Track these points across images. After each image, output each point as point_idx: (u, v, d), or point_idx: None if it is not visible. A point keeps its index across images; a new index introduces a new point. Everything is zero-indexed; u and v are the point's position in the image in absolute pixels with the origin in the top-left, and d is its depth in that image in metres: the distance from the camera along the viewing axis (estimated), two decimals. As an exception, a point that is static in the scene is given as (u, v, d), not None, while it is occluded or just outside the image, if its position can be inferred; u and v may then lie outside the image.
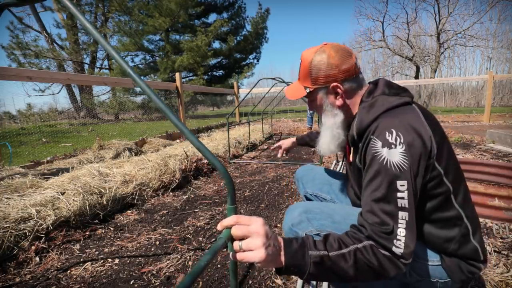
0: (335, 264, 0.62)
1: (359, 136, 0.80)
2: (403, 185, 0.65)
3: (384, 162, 0.67)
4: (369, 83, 0.87)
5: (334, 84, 0.83)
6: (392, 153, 0.67)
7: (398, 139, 0.67)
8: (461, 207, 0.74)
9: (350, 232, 0.67)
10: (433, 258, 0.74)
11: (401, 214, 0.64)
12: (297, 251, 0.62)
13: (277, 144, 1.66)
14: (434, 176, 0.71)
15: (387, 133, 0.69)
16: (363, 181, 0.73)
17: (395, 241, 0.63)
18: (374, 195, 0.67)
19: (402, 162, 0.66)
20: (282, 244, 0.63)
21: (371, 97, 0.81)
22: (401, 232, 0.63)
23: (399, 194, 0.65)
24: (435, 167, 0.70)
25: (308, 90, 0.88)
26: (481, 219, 1.63)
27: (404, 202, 0.64)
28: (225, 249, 1.38)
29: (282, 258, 0.61)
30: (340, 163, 3.15)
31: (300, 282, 1.16)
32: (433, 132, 0.70)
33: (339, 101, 0.86)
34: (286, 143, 1.62)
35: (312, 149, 4.21)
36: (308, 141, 1.53)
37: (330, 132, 0.92)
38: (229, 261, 0.95)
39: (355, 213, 0.79)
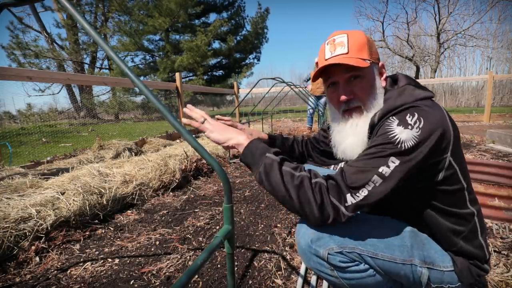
0: (278, 176, 0.68)
1: (379, 120, 0.75)
2: (394, 162, 0.65)
3: (393, 138, 0.65)
4: (387, 77, 0.85)
5: (382, 63, 0.80)
6: (405, 132, 0.65)
7: (418, 123, 0.65)
8: (473, 205, 0.75)
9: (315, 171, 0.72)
10: (447, 264, 0.74)
11: (376, 178, 0.65)
12: (261, 146, 0.75)
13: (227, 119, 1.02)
14: (451, 173, 0.71)
15: (408, 114, 0.68)
16: None
17: (353, 194, 0.65)
18: (365, 154, 0.69)
19: (409, 144, 0.64)
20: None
21: (397, 86, 0.79)
22: (363, 192, 0.65)
23: (385, 166, 0.65)
24: (452, 164, 0.70)
25: (368, 62, 0.76)
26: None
27: (387, 171, 0.65)
28: (223, 248, 1.38)
29: (247, 143, 0.76)
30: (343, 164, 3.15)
31: (300, 282, 1.15)
32: (453, 129, 0.70)
33: (383, 82, 0.81)
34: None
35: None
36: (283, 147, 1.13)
37: (367, 121, 0.77)
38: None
39: (377, 223, 0.77)
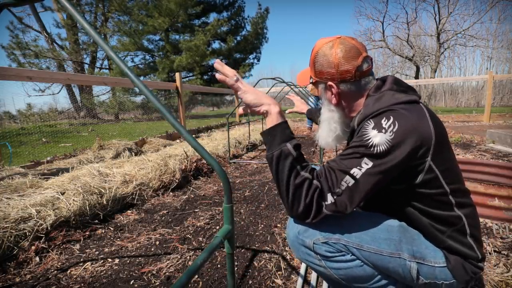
0: (286, 169, 0.70)
1: (358, 125, 0.79)
2: (367, 164, 0.68)
3: (367, 141, 0.68)
4: (377, 79, 0.86)
5: (330, 83, 0.84)
6: (379, 136, 0.68)
7: (392, 127, 0.68)
8: (461, 209, 0.74)
9: (316, 171, 0.75)
10: (439, 260, 0.74)
11: (348, 178, 0.68)
12: (287, 133, 0.74)
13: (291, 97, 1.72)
14: (430, 178, 0.71)
15: (384, 118, 0.70)
16: None
17: (333, 194, 0.70)
18: (342, 154, 0.73)
19: (382, 148, 0.67)
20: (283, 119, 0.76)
21: (379, 92, 0.80)
22: (338, 191, 0.69)
23: (357, 168, 0.68)
24: (432, 169, 0.70)
25: (311, 80, 0.91)
26: (481, 219, 1.63)
27: (358, 173, 0.68)
28: (223, 248, 1.38)
29: (276, 121, 0.75)
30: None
31: (300, 282, 1.16)
32: (436, 134, 0.70)
33: (334, 100, 0.87)
34: (299, 106, 1.66)
35: (312, 149, 4.21)
36: (315, 117, 1.50)
37: (327, 125, 0.93)
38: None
39: (365, 218, 0.78)
